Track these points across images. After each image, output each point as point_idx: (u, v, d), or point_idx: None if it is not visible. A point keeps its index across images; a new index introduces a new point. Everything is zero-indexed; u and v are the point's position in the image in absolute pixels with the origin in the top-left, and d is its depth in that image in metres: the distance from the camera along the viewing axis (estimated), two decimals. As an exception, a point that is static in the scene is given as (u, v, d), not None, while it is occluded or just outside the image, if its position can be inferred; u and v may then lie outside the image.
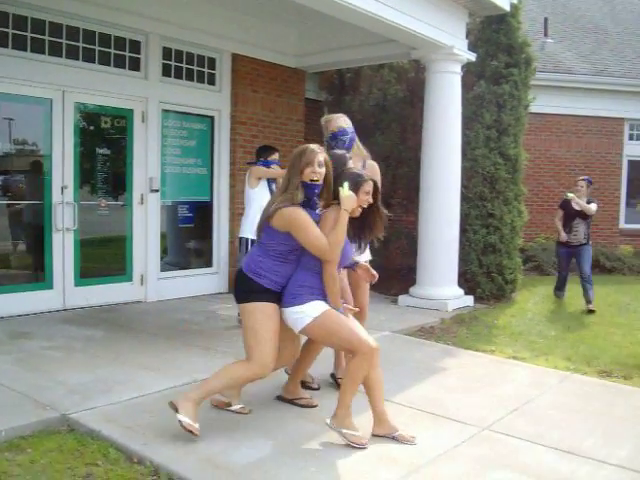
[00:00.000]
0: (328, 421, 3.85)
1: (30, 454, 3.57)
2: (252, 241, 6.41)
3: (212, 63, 8.73)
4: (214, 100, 8.71)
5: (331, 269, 3.83)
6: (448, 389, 5.09)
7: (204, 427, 3.84)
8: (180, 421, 3.67)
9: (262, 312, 3.82)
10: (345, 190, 3.79)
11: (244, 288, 3.92)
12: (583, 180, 9.04)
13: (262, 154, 6.92)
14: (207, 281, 8.70)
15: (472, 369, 5.73)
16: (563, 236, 8.92)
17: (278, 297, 3.91)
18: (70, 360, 5.38)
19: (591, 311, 8.43)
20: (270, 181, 6.79)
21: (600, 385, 5.42)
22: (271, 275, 3.86)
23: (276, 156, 6.92)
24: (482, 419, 4.39)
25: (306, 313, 3.81)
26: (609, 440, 4.10)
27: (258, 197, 6.65)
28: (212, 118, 8.75)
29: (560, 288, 9.40)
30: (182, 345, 6.00)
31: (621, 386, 5.42)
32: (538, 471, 3.60)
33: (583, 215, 8.81)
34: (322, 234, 3.76)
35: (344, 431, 3.79)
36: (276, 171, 6.76)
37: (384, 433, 3.96)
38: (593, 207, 8.81)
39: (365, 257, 5.21)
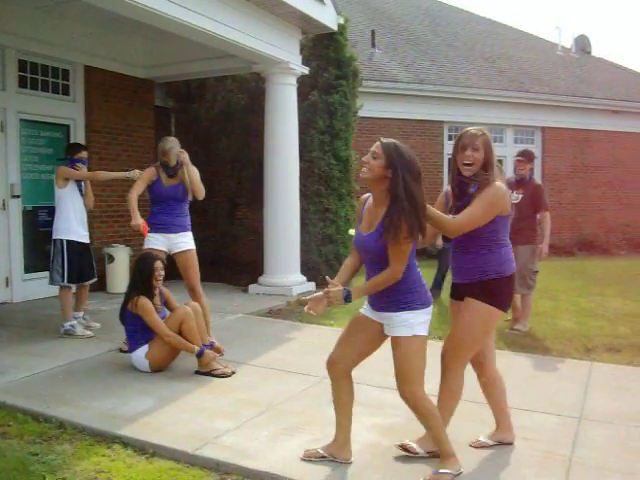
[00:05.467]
0: None
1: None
2: (68, 242, 6.56)
3: (66, 75, 9.21)
4: (69, 110, 9.21)
5: None
6: (294, 353, 6.15)
7: (98, 390, 4.66)
8: None
9: None
10: None
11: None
12: None
13: (69, 152, 6.80)
14: (69, 280, 9.13)
15: (313, 338, 6.80)
16: None
17: None
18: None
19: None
20: (78, 180, 6.74)
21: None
22: None
23: (84, 154, 6.79)
24: (322, 372, 5.38)
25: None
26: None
27: (68, 197, 6.62)
28: (68, 127, 9.24)
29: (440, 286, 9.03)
30: (57, 335, 6.61)
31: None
32: (367, 401, 4.68)
33: None
34: None
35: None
36: (81, 173, 6.71)
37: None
38: None
39: (189, 246, 6.09)
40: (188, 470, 3.66)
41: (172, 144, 6.08)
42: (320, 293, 3.49)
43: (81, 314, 6.86)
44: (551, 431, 4.17)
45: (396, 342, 3.50)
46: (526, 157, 7.32)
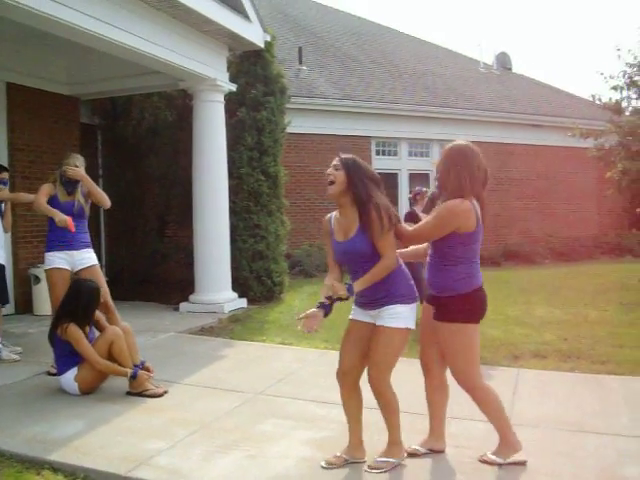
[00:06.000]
0: None
1: None
2: None
3: (-13, 92, 8.98)
4: (-10, 128, 8.97)
5: None
6: (226, 370, 6.13)
7: (26, 416, 4.55)
8: None
9: None
10: None
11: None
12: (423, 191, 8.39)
13: None
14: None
15: (246, 355, 6.80)
16: None
17: None
18: None
19: None
20: None
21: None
22: None
23: (5, 175, 6.73)
24: (255, 388, 5.48)
25: None
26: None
27: None
28: (-11, 145, 8.99)
29: None
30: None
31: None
32: (300, 415, 4.76)
33: None
34: None
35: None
36: (2, 194, 6.64)
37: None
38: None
39: (93, 261, 6.05)
40: (121, 493, 3.62)
41: (73, 160, 6.01)
42: (314, 309, 3.66)
43: None
44: (480, 438, 4.27)
45: (384, 331, 3.72)
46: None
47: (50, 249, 5.92)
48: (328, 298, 3.67)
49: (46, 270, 5.98)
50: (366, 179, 3.69)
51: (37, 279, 8.97)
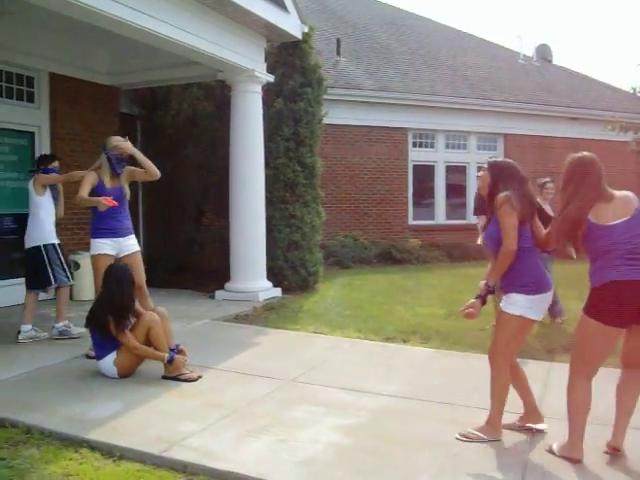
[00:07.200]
0: None
1: None
2: (57, 245, 6.85)
3: (31, 81, 9.19)
4: (34, 117, 9.19)
5: None
6: (260, 357, 6.25)
7: (65, 396, 4.72)
8: None
9: None
10: None
11: None
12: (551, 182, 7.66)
13: (43, 162, 7.03)
14: (35, 289, 9.08)
15: (280, 342, 6.91)
16: None
17: None
18: None
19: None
20: (51, 187, 6.95)
21: (382, 347, 6.79)
22: None
23: (56, 164, 7.02)
24: (288, 375, 5.58)
25: None
26: (385, 380, 5.45)
27: (46, 203, 6.85)
28: (32, 134, 9.20)
29: None
30: (30, 342, 6.64)
31: (400, 346, 6.81)
32: (330, 402, 4.85)
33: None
34: None
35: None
36: (58, 177, 6.96)
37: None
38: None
39: (137, 247, 6.23)
40: (155, 472, 3.73)
41: (116, 140, 6.19)
42: (473, 300, 4.10)
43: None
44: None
45: (500, 314, 4.08)
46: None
47: (97, 236, 6.06)
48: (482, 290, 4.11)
49: (93, 256, 6.11)
50: (508, 177, 4.08)
51: (77, 265, 9.16)
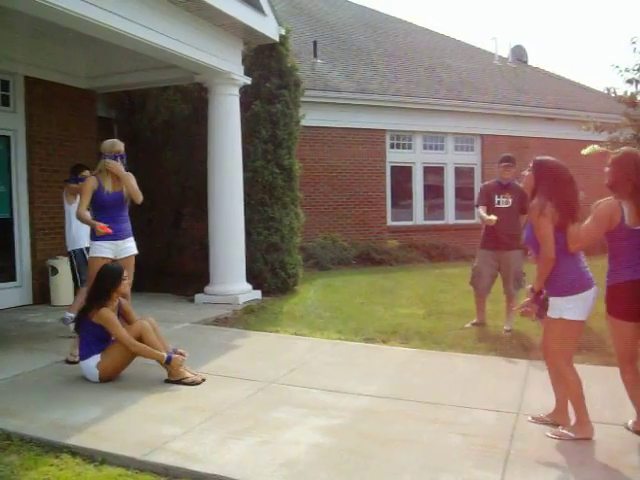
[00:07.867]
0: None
1: None
2: (76, 251, 7.04)
3: (6, 85, 9.09)
4: (9, 121, 9.09)
5: None
6: (240, 359, 6.24)
7: (45, 402, 4.70)
8: None
9: None
10: None
11: None
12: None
13: (74, 172, 7.26)
14: (12, 294, 9.04)
15: (260, 345, 6.91)
16: None
17: None
18: None
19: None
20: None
21: (363, 347, 6.81)
22: None
23: (86, 173, 7.02)
24: (269, 377, 5.59)
25: None
26: (364, 381, 5.47)
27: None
28: (8, 138, 9.10)
29: None
30: (7, 348, 6.57)
31: (380, 346, 6.83)
32: (312, 403, 4.87)
33: None
34: None
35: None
36: (77, 187, 6.94)
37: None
38: None
39: (134, 250, 6.22)
40: (137, 476, 3.71)
41: (117, 145, 6.18)
42: (528, 299, 4.30)
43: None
44: (490, 426, 4.35)
45: (547, 320, 4.19)
46: (512, 161, 7.60)
47: (97, 238, 6.02)
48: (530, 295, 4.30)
49: (91, 257, 6.10)
50: (551, 178, 4.13)
51: (55, 270, 9.10)
